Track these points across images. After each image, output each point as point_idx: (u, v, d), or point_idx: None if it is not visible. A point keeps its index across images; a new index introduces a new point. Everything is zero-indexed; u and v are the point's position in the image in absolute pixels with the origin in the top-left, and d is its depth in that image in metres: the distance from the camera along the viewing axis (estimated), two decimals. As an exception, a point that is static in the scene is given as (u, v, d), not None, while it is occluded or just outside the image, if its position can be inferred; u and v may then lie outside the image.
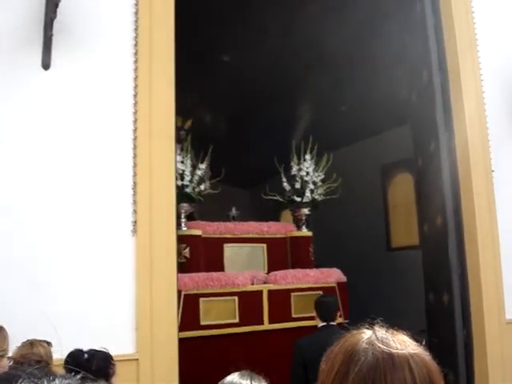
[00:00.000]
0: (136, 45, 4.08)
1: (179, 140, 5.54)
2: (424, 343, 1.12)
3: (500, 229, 5.48)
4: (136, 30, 4.10)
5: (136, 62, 4.06)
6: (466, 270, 5.46)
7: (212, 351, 4.96)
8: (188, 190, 5.49)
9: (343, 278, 5.97)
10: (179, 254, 5.06)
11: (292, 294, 5.68)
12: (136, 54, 4.07)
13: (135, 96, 4.02)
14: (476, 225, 5.40)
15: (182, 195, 5.31)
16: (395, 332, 1.11)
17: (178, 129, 5.41)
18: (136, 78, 4.03)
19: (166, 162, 4.08)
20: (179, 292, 4.64)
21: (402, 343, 1.07)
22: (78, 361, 2.45)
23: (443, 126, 5.67)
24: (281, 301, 5.59)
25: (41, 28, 3.76)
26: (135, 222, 3.91)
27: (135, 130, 3.99)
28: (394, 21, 6.31)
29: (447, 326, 5.56)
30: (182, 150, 5.48)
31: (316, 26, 6.79)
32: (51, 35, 3.75)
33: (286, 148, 8.14)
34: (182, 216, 5.56)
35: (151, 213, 3.94)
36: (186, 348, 4.76)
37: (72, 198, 3.78)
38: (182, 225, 5.54)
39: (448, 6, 5.73)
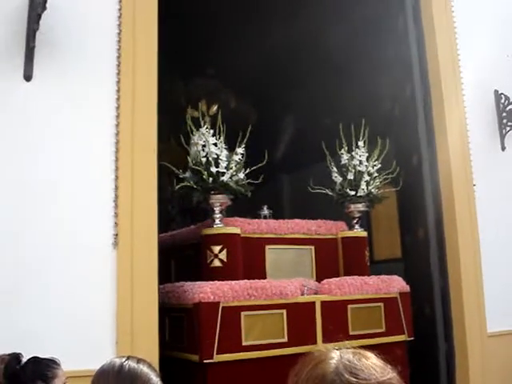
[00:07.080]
0: (119, 57, 4.07)
1: (211, 125, 4.72)
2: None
3: (481, 241, 5.53)
4: (119, 42, 4.09)
5: (119, 74, 4.05)
6: (448, 283, 5.50)
7: (256, 378, 4.25)
8: (225, 178, 4.57)
9: (406, 288, 5.15)
10: (215, 256, 4.53)
11: (349, 306, 4.80)
12: (119, 66, 4.06)
13: (117, 108, 4.00)
14: (458, 238, 5.45)
15: (217, 184, 4.59)
16: (362, 353, 1.11)
17: (202, 115, 4.78)
18: (118, 91, 4.02)
19: (149, 175, 4.05)
20: (217, 304, 4.17)
21: (370, 369, 1.06)
22: (11, 370, 2.47)
23: (425, 141, 5.72)
24: (336, 315, 4.72)
25: (23, 39, 3.74)
26: (116, 234, 3.88)
27: (117, 143, 3.97)
28: (378, 33, 6.35)
29: (429, 339, 5.57)
30: (214, 134, 4.67)
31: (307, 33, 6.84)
32: (33, 46, 3.73)
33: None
34: (217, 211, 4.65)
35: (133, 226, 3.91)
36: (225, 374, 4.15)
37: (52, 211, 3.74)
38: (217, 221, 4.64)
39: (430, 20, 5.79)
